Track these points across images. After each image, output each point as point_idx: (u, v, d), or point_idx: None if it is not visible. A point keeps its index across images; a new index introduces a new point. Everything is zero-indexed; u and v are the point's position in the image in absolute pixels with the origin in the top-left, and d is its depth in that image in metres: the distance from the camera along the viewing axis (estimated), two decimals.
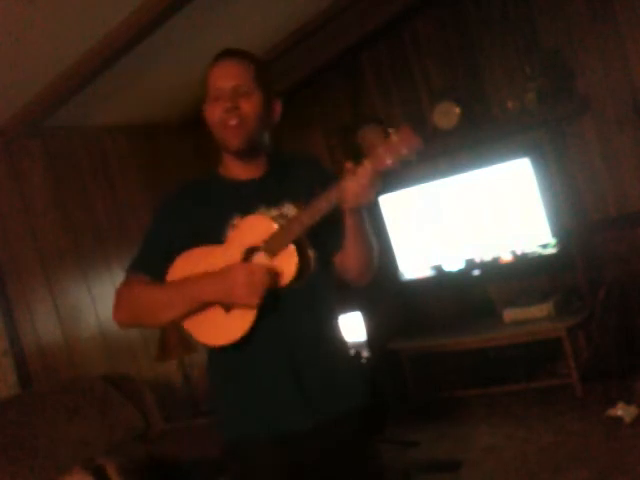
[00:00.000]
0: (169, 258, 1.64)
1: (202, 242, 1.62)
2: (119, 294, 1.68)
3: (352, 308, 4.27)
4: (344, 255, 1.65)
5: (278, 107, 1.70)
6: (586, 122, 3.94)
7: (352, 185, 1.49)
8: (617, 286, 3.82)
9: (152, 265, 1.66)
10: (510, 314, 4.06)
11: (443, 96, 4.25)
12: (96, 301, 3.92)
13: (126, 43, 3.04)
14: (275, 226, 1.56)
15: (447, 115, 4.18)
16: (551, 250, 3.93)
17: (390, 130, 1.48)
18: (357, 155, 1.53)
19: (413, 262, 4.43)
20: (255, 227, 1.58)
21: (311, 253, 1.63)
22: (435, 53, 4.37)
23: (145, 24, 2.93)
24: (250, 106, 1.61)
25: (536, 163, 3.93)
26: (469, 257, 4.23)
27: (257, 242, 1.56)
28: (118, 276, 3.71)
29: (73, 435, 3.14)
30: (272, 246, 1.55)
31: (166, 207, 1.73)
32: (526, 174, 3.94)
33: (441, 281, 4.37)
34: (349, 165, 1.51)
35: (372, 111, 4.63)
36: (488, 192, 4.09)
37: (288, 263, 1.55)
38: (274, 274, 1.54)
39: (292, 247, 1.55)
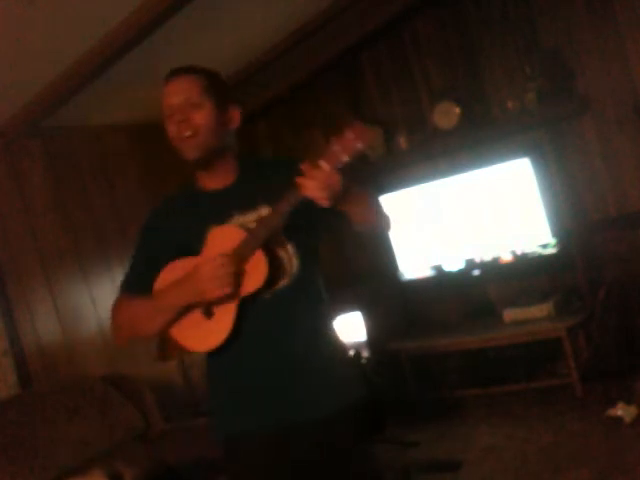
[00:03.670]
0: (155, 273, 1.72)
1: (183, 254, 1.70)
2: (112, 314, 1.79)
3: (352, 308, 4.27)
4: (352, 220, 1.69)
5: (235, 113, 1.74)
6: (586, 122, 3.93)
7: (313, 186, 1.52)
8: (617, 286, 3.82)
9: (139, 283, 1.76)
10: (510, 314, 4.06)
11: (443, 96, 4.25)
12: (96, 301, 3.91)
13: (126, 43, 3.04)
14: (243, 233, 1.62)
15: (447, 115, 4.18)
16: (551, 250, 3.93)
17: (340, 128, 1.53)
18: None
19: (413, 262, 4.43)
20: (225, 236, 1.64)
21: (287, 254, 1.69)
22: (435, 53, 4.37)
23: (145, 24, 2.93)
24: (201, 116, 1.67)
25: (536, 163, 3.93)
26: (469, 257, 4.22)
27: (228, 251, 1.61)
28: (118, 276, 3.71)
29: (73, 435, 3.14)
30: (241, 253, 1.61)
31: (147, 225, 1.84)
32: (526, 174, 3.94)
33: (441, 281, 4.37)
34: (305, 166, 1.54)
35: (372, 111, 4.63)
36: (488, 192, 4.09)
37: (258, 266, 1.61)
38: (239, 261, 1.60)
39: (260, 251, 1.61)
